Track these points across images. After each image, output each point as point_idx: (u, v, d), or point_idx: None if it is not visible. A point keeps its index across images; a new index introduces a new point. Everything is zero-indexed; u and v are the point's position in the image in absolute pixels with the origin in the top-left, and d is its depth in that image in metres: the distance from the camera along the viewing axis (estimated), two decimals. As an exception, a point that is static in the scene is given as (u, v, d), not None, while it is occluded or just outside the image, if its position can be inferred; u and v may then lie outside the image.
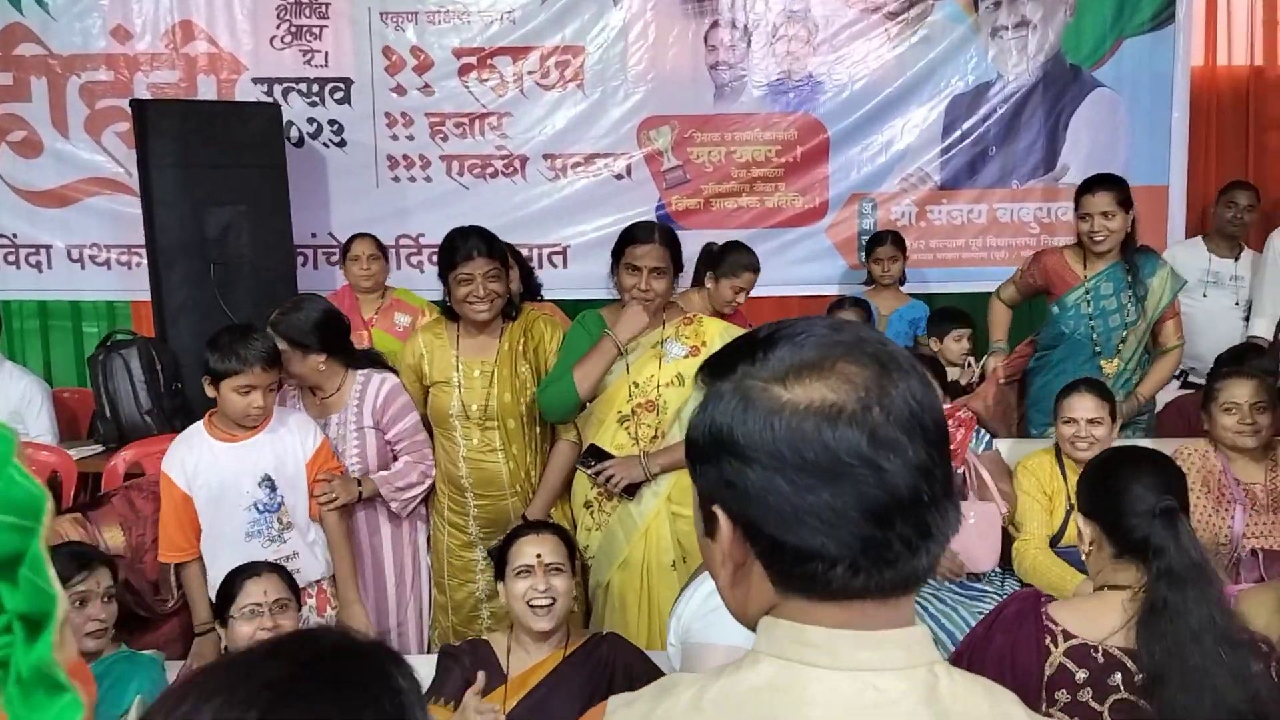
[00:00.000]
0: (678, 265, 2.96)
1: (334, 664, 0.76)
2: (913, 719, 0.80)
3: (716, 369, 0.89)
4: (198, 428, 2.98)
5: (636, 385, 2.88)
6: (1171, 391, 4.44)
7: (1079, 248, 3.85)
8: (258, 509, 2.92)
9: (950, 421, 3.01)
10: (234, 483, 2.90)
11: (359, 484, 3.04)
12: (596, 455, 2.87)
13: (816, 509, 0.79)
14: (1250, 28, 5.47)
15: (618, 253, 2.95)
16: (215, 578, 2.79)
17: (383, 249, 4.62)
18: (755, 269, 4.09)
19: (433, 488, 3.18)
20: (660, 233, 2.92)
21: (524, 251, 5.46)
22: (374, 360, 3.28)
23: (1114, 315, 3.79)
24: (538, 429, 3.10)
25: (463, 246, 2.93)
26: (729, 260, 4.06)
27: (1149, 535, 1.78)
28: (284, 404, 3.11)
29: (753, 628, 0.88)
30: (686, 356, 2.88)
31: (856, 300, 4.38)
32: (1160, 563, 1.76)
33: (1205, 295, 4.81)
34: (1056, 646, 1.83)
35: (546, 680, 2.24)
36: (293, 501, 2.96)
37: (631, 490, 2.83)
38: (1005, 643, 1.86)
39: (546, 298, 4.67)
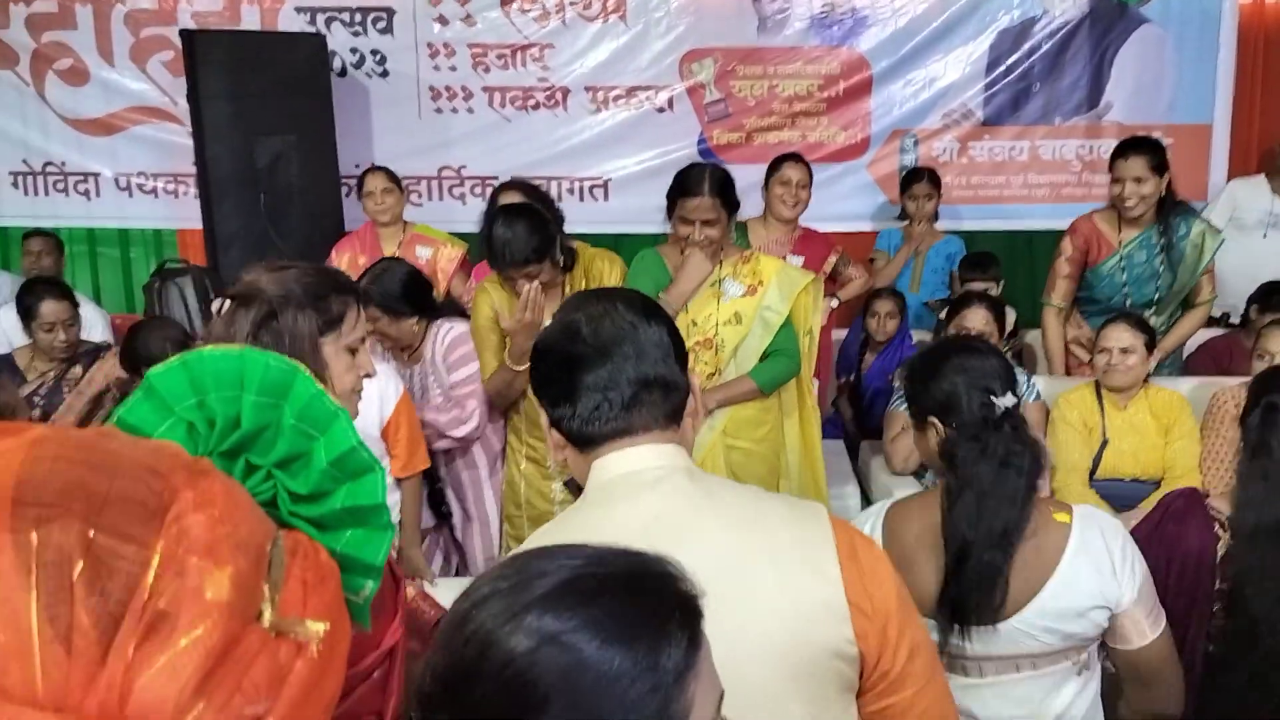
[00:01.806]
0: (732, 205, 2.97)
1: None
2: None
3: None
4: None
5: (695, 324, 2.94)
6: (1207, 332, 4.47)
7: (1112, 210, 3.77)
8: None
9: None
10: None
11: None
12: None
13: None
14: (1303, -38, 5.38)
15: (671, 201, 2.96)
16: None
17: (396, 181, 4.63)
18: (793, 158, 4.11)
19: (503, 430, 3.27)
20: (710, 183, 2.90)
21: (565, 184, 5.54)
22: (453, 309, 3.35)
23: (1148, 282, 3.75)
24: None
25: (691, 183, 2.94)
26: (772, 164, 4.14)
27: None
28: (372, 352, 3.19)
29: None
30: (744, 295, 2.94)
31: (894, 292, 4.40)
32: None
33: (1265, 236, 4.73)
34: (1225, 531, 2.09)
35: None
36: None
37: None
38: (1176, 532, 2.08)
39: (588, 231, 4.71)
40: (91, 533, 0.62)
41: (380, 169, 4.60)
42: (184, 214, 5.53)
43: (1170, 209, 3.69)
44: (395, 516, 3.04)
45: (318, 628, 0.70)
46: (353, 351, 1.62)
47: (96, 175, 5.65)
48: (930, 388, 1.86)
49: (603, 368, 1.24)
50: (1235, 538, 2.11)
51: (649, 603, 0.78)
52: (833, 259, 4.11)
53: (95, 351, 3.86)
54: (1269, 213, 4.82)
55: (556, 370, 1.28)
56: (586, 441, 1.26)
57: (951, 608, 1.73)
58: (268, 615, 0.68)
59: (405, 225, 4.60)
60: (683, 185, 2.95)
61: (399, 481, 3.02)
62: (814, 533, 1.20)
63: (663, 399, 1.25)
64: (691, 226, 2.90)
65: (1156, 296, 3.74)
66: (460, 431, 3.17)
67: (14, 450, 0.65)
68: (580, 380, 1.24)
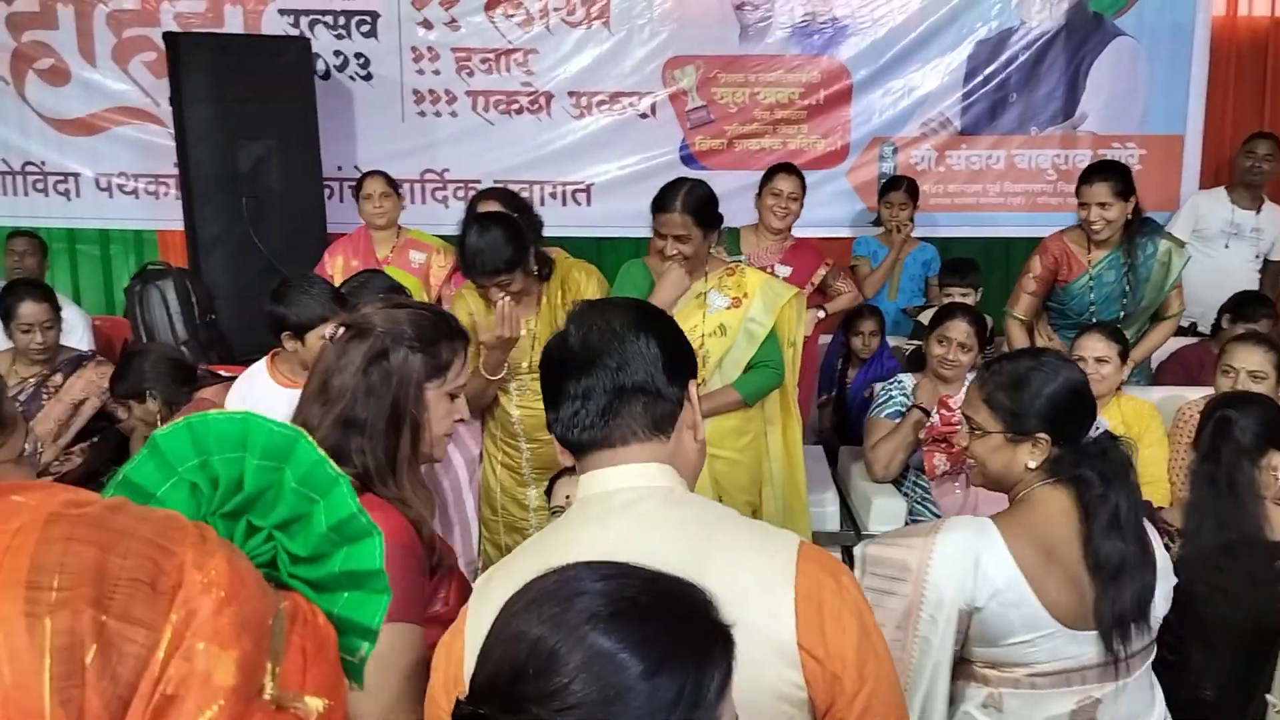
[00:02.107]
0: (709, 221, 2.98)
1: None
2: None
3: None
4: (260, 369, 3.01)
5: None
6: (1177, 341, 4.55)
7: (1082, 230, 3.83)
8: None
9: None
10: None
11: None
12: None
13: None
14: (1273, -22, 5.49)
15: (652, 211, 3.00)
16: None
17: (394, 186, 4.66)
18: (786, 169, 4.17)
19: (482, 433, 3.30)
20: (683, 200, 2.92)
21: (548, 188, 5.57)
22: None
23: (1116, 301, 3.82)
24: None
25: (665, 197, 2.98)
26: (765, 175, 4.19)
27: None
28: None
29: None
30: (729, 307, 2.98)
31: (874, 310, 4.47)
32: None
33: (1227, 246, 4.84)
34: (1175, 543, 2.21)
35: None
36: None
37: None
38: None
39: (570, 236, 4.74)
40: (104, 617, 0.64)
41: (379, 173, 4.62)
42: (165, 214, 5.53)
43: (1137, 229, 3.76)
44: None
45: (316, 704, 0.72)
46: (453, 397, 1.66)
47: (77, 175, 5.63)
48: (1042, 402, 1.87)
49: (585, 376, 1.27)
50: (1184, 545, 2.20)
51: (695, 629, 0.82)
52: (822, 271, 4.15)
53: (78, 360, 3.87)
54: (1229, 223, 4.94)
55: (547, 374, 1.32)
56: (571, 448, 1.30)
57: (1116, 619, 1.77)
58: (269, 689, 0.70)
59: (399, 230, 4.62)
60: (658, 199, 2.99)
61: None
62: (776, 569, 1.18)
63: (644, 409, 1.26)
64: (665, 240, 2.95)
65: (1123, 314, 3.80)
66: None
67: (28, 530, 0.67)
68: (564, 386, 1.28)
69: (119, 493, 0.80)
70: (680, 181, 3.06)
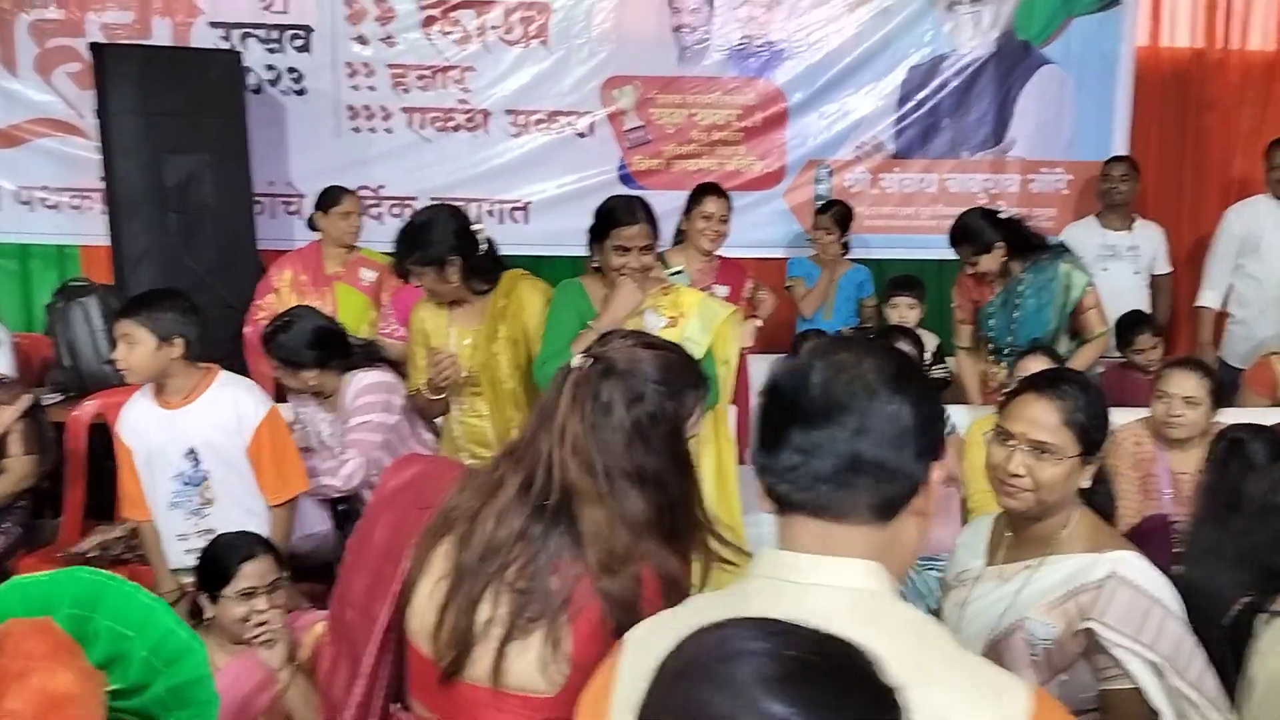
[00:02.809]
0: (657, 235, 3.05)
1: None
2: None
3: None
4: (145, 390, 2.94)
5: None
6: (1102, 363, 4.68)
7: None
8: (182, 480, 2.90)
9: None
10: (161, 450, 2.88)
11: None
12: None
13: None
14: (1193, 10, 5.65)
15: (601, 231, 3.00)
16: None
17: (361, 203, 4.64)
18: (716, 192, 4.18)
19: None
20: (642, 210, 2.99)
21: (485, 206, 5.53)
22: (370, 356, 3.38)
23: (1031, 320, 3.95)
24: (520, 387, 3.18)
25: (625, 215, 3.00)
26: (693, 195, 4.18)
27: None
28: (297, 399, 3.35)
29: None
30: (666, 327, 2.97)
31: (819, 332, 4.50)
32: None
33: (1105, 269, 4.97)
34: None
35: None
36: (221, 476, 2.92)
37: None
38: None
39: (508, 254, 4.68)
40: None
41: (350, 191, 4.55)
42: (88, 229, 5.37)
43: (1030, 257, 3.94)
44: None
45: None
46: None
47: (-4, 188, 5.46)
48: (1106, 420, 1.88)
49: (817, 429, 1.08)
50: (1186, 559, 2.28)
51: (865, 692, 0.80)
52: (750, 285, 4.19)
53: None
54: (1103, 245, 5.09)
55: (771, 411, 1.14)
56: (775, 499, 1.12)
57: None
58: None
59: (351, 247, 4.56)
60: (614, 215, 3.00)
61: (271, 509, 2.96)
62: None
63: (873, 486, 1.07)
64: (627, 255, 2.95)
65: (1040, 336, 3.88)
66: (329, 481, 3.13)
67: None
68: (788, 433, 1.10)
69: None
70: (624, 196, 3.16)
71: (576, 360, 1.51)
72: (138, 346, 2.78)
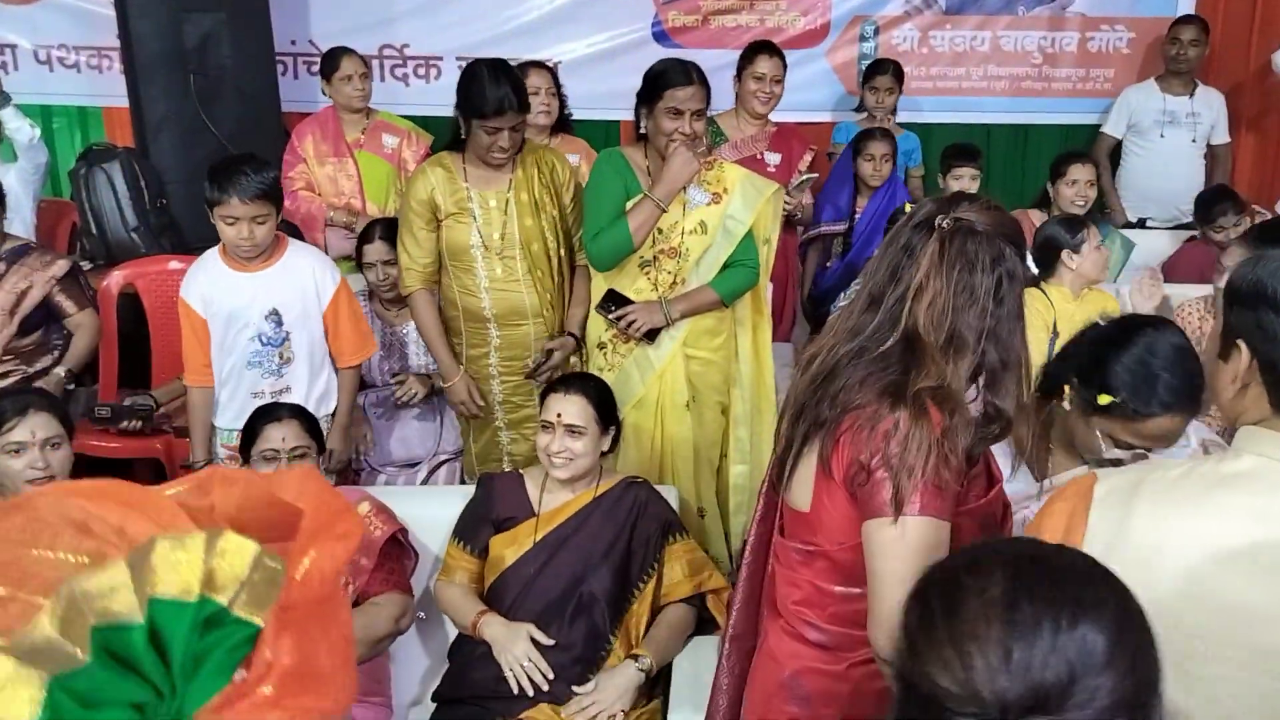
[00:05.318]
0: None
1: None
2: None
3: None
4: (213, 254, 2.96)
5: (660, 231, 2.85)
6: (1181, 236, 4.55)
7: None
8: (261, 340, 2.93)
9: None
10: (242, 311, 2.91)
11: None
12: (616, 300, 2.87)
13: None
14: None
15: (651, 94, 2.82)
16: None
17: (366, 64, 4.43)
18: (769, 50, 3.99)
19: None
20: (696, 72, 2.81)
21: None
22: None
23: None
24: (562, 254, 3.08)
25: (494, 98, 2.81)
26: (744, 55, 4.01)
27: None
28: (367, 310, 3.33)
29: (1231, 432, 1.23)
30: (709, 204, 2.85)
31: (885, 133, 4.25)
32: None
33: (1162, 135, 4.79)
34: None
35: (574, 518, 2.38)
36: (299, 337, 2.96)
37: (652, 335, 2.86)
38: None
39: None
40: None
41: (352, 51, 4.36)
42: (109, 90, 5.24)
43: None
44: (331, 405, 3.03)
45: None
46: None
47: (14, 47, 5.32)
48: None
49: None
50: None
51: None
52: (808, 158, 4.06)
53: (22, 250, 3.66)
54: (1163, 112, 4.87)
55: None
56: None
57: None
58: None
59: (369, 111, 4.40)
60: (666, 75, 2.81)
61: (339, 371, 3.05)
62: None
63: None
64: (680, 119, 2.78)
65: None
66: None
67: None
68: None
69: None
70: (672, 57, 2.93)
71: (936, 220, 1.49)
72: (269, 221, 2.82)
